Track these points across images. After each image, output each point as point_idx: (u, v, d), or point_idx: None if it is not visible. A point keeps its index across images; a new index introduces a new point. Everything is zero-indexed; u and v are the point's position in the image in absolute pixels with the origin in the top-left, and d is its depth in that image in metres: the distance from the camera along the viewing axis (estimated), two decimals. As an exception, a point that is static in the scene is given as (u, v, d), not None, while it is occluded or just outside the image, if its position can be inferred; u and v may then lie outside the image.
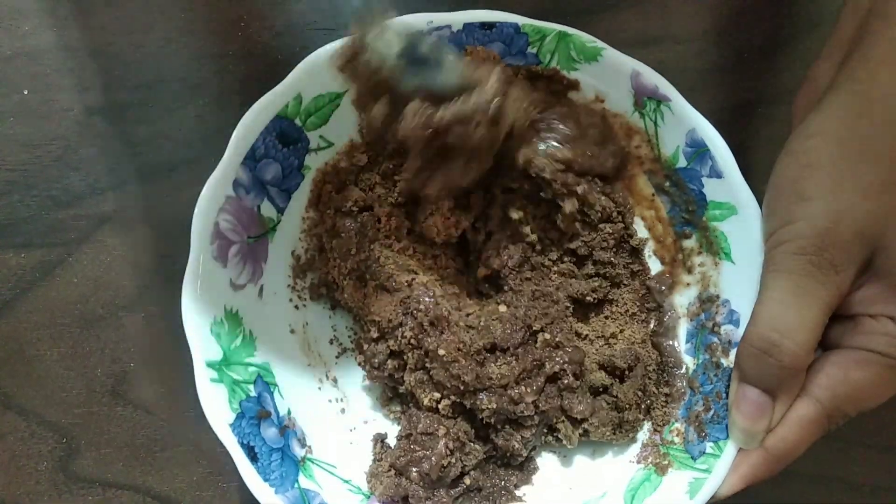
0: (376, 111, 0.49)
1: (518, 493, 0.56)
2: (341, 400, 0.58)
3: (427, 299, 0.53)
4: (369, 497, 0.54)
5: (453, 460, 0.53)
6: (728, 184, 0.52)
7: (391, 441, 0.57)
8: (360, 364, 0.56)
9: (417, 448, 0.53)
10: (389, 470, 0.55)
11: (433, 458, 0.52)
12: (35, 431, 0.60)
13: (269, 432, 0.51)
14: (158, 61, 0.61)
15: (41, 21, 0.60)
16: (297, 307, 0.58)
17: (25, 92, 0.60)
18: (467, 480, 0.55)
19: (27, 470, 0.60)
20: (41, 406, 0.60)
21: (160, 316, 0.60)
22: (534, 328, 0.54)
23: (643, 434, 0.56)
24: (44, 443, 0.60)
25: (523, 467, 0.57)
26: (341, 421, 0.57)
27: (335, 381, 0.58)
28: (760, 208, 0.51)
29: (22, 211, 0.60)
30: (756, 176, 0.59)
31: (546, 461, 0.58)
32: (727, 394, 0.51)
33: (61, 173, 0.60)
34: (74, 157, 0.60)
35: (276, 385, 0.53)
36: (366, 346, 0.55)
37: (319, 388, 0.57)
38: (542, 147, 0.54)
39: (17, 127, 0.60)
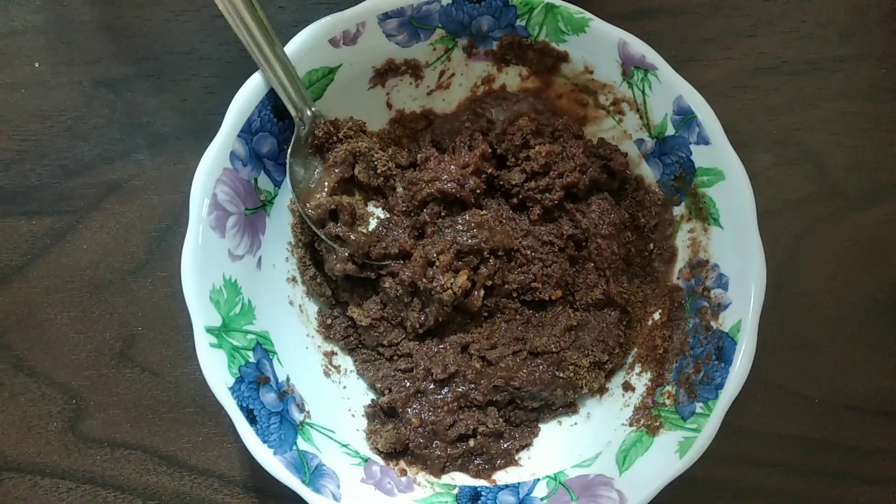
0: None
1: (516, 456, 0.58)
2: (340, 370, 0.60)
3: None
4: (367, 461, 0.55)
5: (462, 417, 0.56)
6: (715, 150, 0.53)
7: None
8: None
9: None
10: (388, 422, 0.57)
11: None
12: (45, 393, 0.62)
13: (268, 397, 0.52)
14: (165, 34, 0.62)
15: (51, -5, 0.62)
16: (295, 279, 0.59)
17: (36, 64, 0.62)
18: (471, 443, 0.57)
19: (37, 430, 0.61)
20: (51, 368, 0.62)
21: (167, 281, 0.62)
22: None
23: (635, 398, 0.57)
24: (54, 404, 0.62)
25: (526, 429, 0.59)
26: (340, 390, 0.59)
27: (334, 352, 0.60)
28: (750, 178, 0.52)
29: (33, 179, 0.62)
30: (751, 145, 0.60)
31: (544, 426, 0.60)
32: (717, 356, 0.52)
33: (71, 143, 0.62)
34: (84, 128, 0.62)
35: (275, 353, 0.55)
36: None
37: (318, 358, 0.59)
38: None
39: (28, 98, 0.62)
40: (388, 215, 0.59)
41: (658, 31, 0.64)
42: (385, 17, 0.53)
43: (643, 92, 0.55)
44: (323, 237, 0.56)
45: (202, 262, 0.50)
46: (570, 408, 0.60)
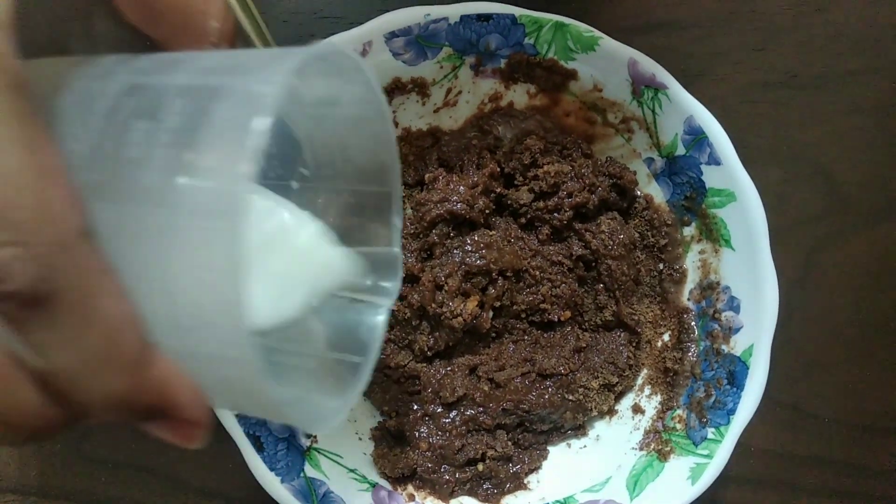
0: None
1: (525, 480, 0.57)
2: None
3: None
4: (374, 486, 0.55)
5: (470, 441, 0.55)
6: (727, 170, 0.52)
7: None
8: None
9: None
10: (395, 447, 0.56)
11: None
12: (48, 413, 0.61)
13: (275, 423, 0.51)
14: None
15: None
16: (300, 300, 0.58)
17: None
18: (480, 467, 0.56)
19: (39, 450, 0.61)
20: (54, 388, 0.61)
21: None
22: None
23: (645, 421, 0.57)
24: (57, 424, 0.61)
25: (535, 452, 0.58)
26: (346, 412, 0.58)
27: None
28: (760, 194, 0.51)
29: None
30: (759, 162, 0.59)
31: (553, 448, 0.59)
32: (728, 380, 0.52)
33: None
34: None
35: None
36: None
37: (324, 380, 0.58)
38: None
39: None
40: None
41: (666, 45, 0.63)
42: (392, 35, 0.52)
43: (653, 111, 0.55)
44: None
45: None
46: (579, 430, 0.59)
